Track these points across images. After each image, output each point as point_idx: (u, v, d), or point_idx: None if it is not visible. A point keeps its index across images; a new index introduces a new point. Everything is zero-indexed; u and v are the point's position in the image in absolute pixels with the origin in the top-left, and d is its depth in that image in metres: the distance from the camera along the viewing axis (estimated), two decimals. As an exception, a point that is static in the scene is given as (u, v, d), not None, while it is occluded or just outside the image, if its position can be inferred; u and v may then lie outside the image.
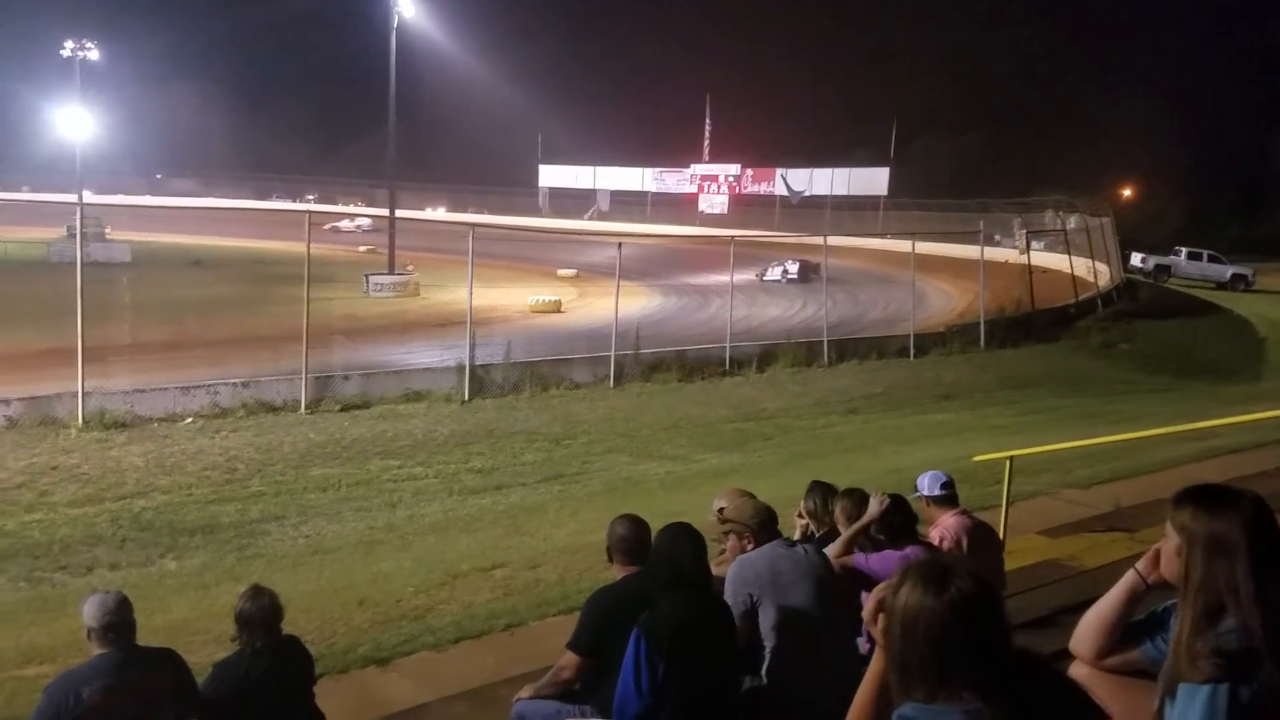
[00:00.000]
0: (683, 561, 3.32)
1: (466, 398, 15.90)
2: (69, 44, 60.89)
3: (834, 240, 29.54)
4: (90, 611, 3.26)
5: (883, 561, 4.10)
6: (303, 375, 14.71)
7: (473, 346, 16.58)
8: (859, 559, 4.22)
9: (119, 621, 3.27)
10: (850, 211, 62.75)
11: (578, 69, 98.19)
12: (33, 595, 7.48)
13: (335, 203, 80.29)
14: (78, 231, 17.32)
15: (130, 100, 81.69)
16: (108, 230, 48.07)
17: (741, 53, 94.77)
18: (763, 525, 3.91)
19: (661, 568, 3.37)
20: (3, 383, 14.49)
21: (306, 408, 14.46)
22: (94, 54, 61.94)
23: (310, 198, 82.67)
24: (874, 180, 68.96)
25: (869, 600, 1.87)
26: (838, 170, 71.39)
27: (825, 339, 21.10)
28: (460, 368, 16.37)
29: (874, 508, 4.32)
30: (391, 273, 36.63)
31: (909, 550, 4.16)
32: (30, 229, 46.51)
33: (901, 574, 1.77)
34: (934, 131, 77.75)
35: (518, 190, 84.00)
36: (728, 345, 19.75)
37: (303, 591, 6.91)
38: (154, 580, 7.48)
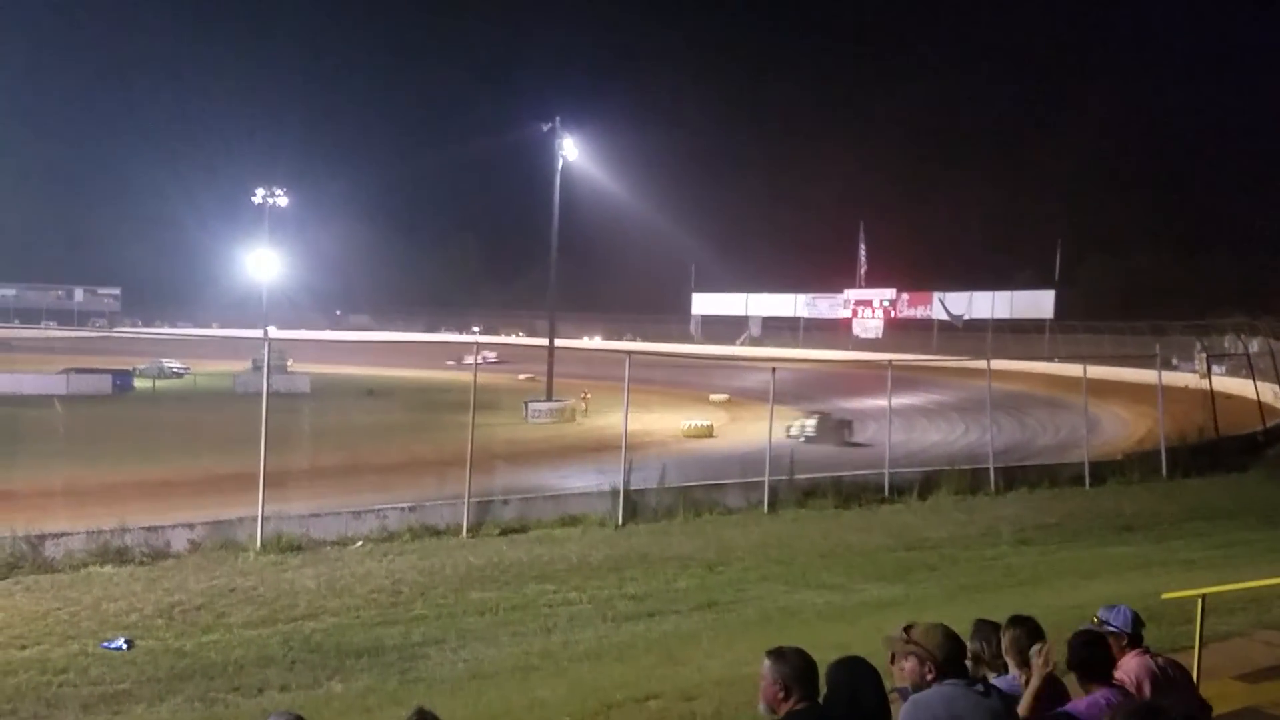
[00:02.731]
0: (865, 702, 3.12)
1: (620, 522, 15.92)
2: (260, 191, 67.23)
3: (997, 364, 28.53)
4: (268, 733, 3.33)
5: (1092, 708, 3.73)
6: (465, 500, 15.10)
7: (627, 471, 16.67)
8: (1074, 706, 3.85)
9: None
10: (1013, 334, 60.78)
11: (730, 200, 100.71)
12: (206, 716, 7.74)
13: (499, 333, 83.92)
14: (264, 364, 18.68)
15: (312, 241, 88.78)
16: (290, 363, 51.62)
17: (896, 177, 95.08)
18: (949, 658, 3.63)
19: (841, 706, 3.17)
20: (189, 507, 15.54)
21: (468, 531, 14.79)
22: (283, 200, 68.10)
23: (476, 329, 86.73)
24: (1038, 302, 66.72)
25: None
26: (998, 293, 69.50)
27: (992, 465, 20.17)
28: (614, 492, 16.44)
29: (1038, 662, 3.94)
30: (550, 399, 37.66)
31: (1107, 695, 3.79)
32: (220, 362, 50.59)
33: None
34: (1102, 251, 75.03)
35: (671, 318, 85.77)
36: (886, 471, 19.14)
37: (462, 716, 6.90)
38: (321, 702, 7.63)
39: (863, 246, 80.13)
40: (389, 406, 38.25)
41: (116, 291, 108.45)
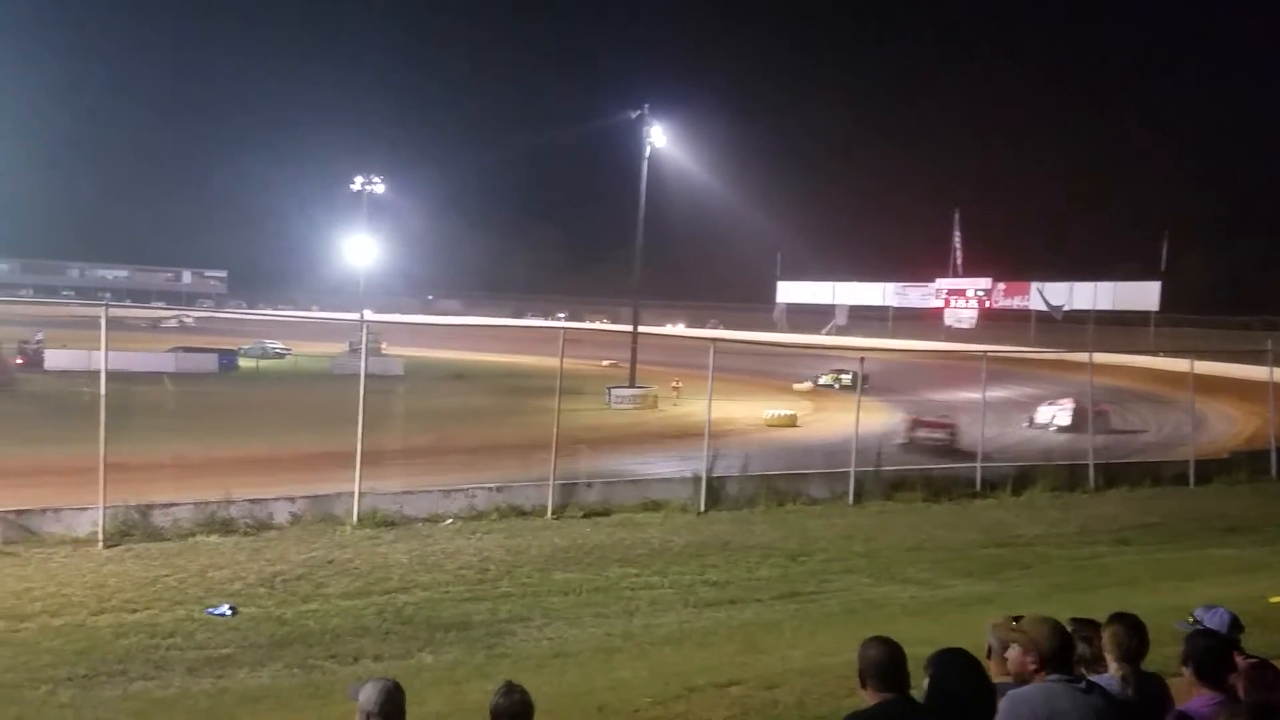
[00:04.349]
0: (968, 698, 3.07)
1: (702, 509, 15.95)
2: (359, 179, 69.02)
3: (1100, 358, 27.47)
4: (368, 697, 3.46)
5: (1205, 709, 3.63)
6: (550, 482, 15.34)
7: (710, 458, 16.68)
8: (1188, 707, 3.76)
9: (394, 709, 3.46)
10: (1115, 327, 58.66)
11: (818, 186, 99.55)
12: (305, 681, 8.06)
13: (583, 319, 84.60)
14: (362, 347, 19.25)
15: (407, 227, 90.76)
16: (384, 346, 52.96)
17: (992, 164, 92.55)
18: (1055, 653, 3.54)
19: (940, 699, 3.12)
20: (290, 481, 16.12)
21: (552, 513, 15.02)
22: (380, 188, 69.76)
23: (561, 315, 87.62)
24: (1143, 294, 64.22)
25: None
26: (1100, 284, 67.05)
27: (1091, 462, 19.55)
28: (696, 479, 16.47)
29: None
30: (632, 386, 37.87)
31: (1219, 697, 3.67)
32: (318, 344, 52.19)
33: None
34: (1209, 242, 71.79)
35: (755, 306, 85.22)
36: (979, 465, 18.72)
37: (545, 693, 7.01)
38: (412, 673, 7.87)
39: (958, 234, 78.18)
40: (477, 390, 38.98)
41: (223, 274, 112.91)
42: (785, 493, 16.90)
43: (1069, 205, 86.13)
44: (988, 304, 74.53)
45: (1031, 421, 31.94)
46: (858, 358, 21.66)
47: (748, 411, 30.94)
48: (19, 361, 38.24)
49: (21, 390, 32.37)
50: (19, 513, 12.11)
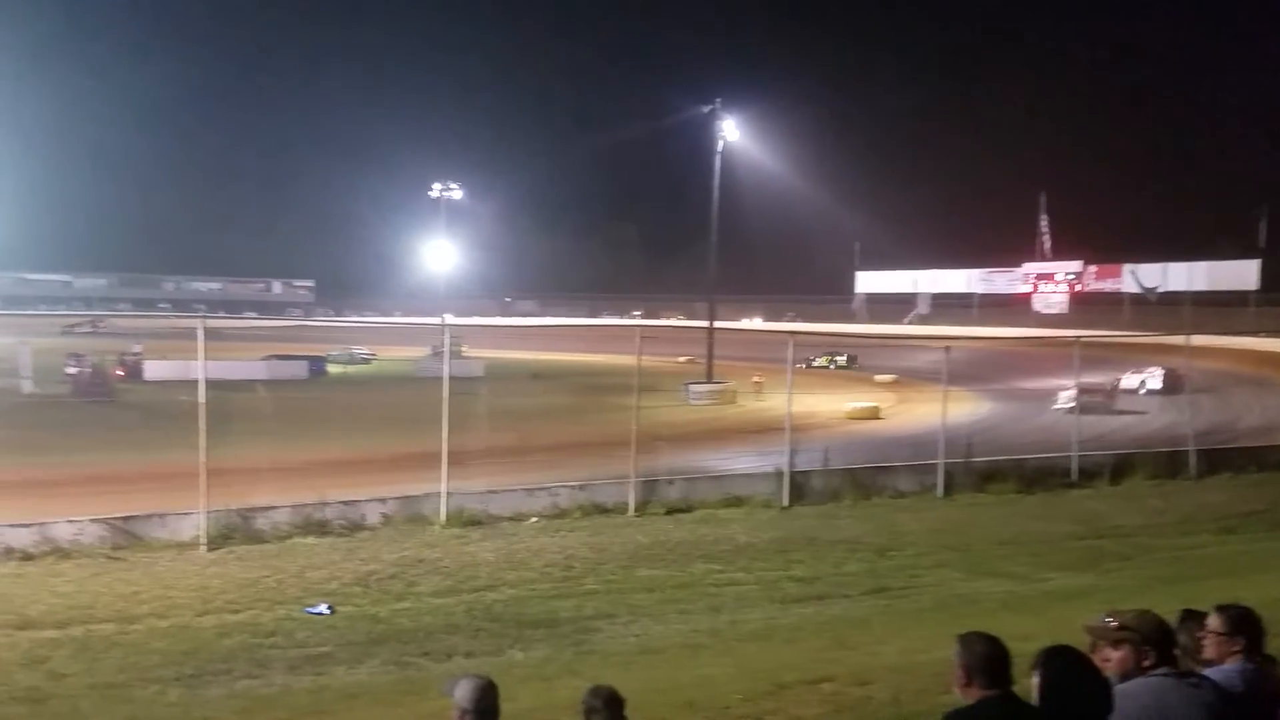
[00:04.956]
0: (1084, 696, 2.97)
1: (786, 504, 15.82)
2: (436, 186, 70.30)
3: (1197, 340, 26.46)
4: (464, 694, 3.52)
5: None
6: (631, 479, 15.39)
7: (792, 453, 16.54)
8: None
9: (488, 706, 3.51)
10: (1213, 308, 56.34)
11: (897, 173, 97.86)
12: (400, 678, 8.24)
13: (658, 316, 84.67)
14: (444, 350, 19.59)
15: (484, 232, 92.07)
16: (464, 348, 53.79)
17: (1078, 143, 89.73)
18: (1159, 647, 3.42)
19: (1055, 698, 3.01)
20: (380, 483, 16.50)
21: (635, 510, 15.07)
22: (457, 194, 70.95)
23: (636, 313, 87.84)
24: (1241, 273, 61.55)
25: None
26: (1196, 264, 64.41)
27: (1192, 448, 18.80)
28: (778, 474, 16.35)
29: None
30: (710, 381, 37.75)
31: None
32: (402, 348, 53.31)
33: None
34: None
35: (833, 297, 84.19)
36: (1074, 454, 18.16)
37: (634, 690, 6.98)
38: (503, 669, 7.97)
39: (1045, 218, 75.94)
40: (555, 389, 39.32)
41: (311, 283, 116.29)
42: (870, 486, 16.66)
43: (1161, 184, 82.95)
44: (1079, 288, 72.22)
45: (1116, 387, 32.54)
46: (942, 347, 21.15)
47: (829, 405, 30.56)
48: (120, 373, 39.86)
49: (123, 401, 33.79)
50: (126, 519, 12.64)
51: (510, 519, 14.37)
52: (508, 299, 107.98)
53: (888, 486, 16.83)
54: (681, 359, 50.49)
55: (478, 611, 10.06)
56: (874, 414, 30.78)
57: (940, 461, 17.14)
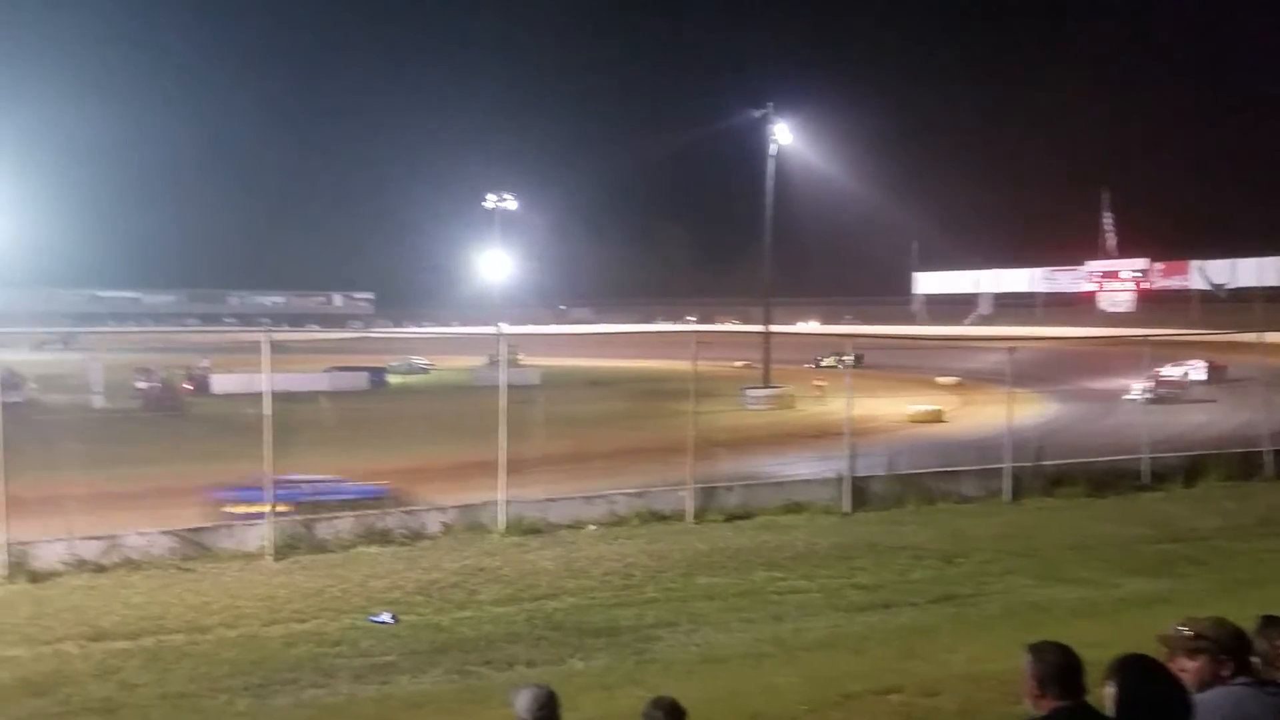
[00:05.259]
0: (1163, 705, 2.86)
1: (847, 510, 15.60)
2: (491, 196, 71.03)
3: (1271, 337, 25.60)
4: (524, 704, 3.51)
5: None
6: (689, 486, 15.30)
7: (853, 458, 16.31)
8: None
9: (549, 715, 3.49)
10: (1285, 303, 54.50)
11: (955, 172, 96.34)
12: (463, 687, 8.27)
13: (713, 321, 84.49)
14: (500, 359, 19.73)
15: (537, 240, 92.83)
16: (520, 357, 54.21)
17: (1140, 139, 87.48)
18: (1236, 655, 3.29)
19: (1132, 708, 2.91)
20: (441, 491, 16.64)
21: (693, 517, 14.97)
22: (511, 204, 71.60)
23: (690, 319, 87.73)
24: (1314, 268, 59.39)
25: None
26: (1266, 259, 62.40)
27: (1267, 449, 18.13)
28: (839, 479, 16.11)
29: None
30: (767, 386, 37.52)
31: None
32: (458, 358, 53.90)
33: None
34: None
35: (891, 299, 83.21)
36: (1145, 456, 17.63)
37: (696, 700, 6.92)
38: (564, 678, 7.94)
39: (1108, 215, 74.22)
40: (611, 396, 39.38)
41: (370, 295, 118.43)
42: (935, 491, 16.34)
43: (1228, 178, 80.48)
44: (1145, 285, 70.42)
45: (1157, 379, 33.07)
46: (1005, 348, 20.74)
47: (890, 408, 30.16)
48: (188, 387, 40.90)
49: (191, 414, 34.64)
50: (194, 530, 12.91)
51: (569, 527, 14.36)
52: (562, 307, 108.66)
53: (953, 491, 16.49)
54: (738, 364, 50.25)
55: (538, 620, 10.06)
56: (937, 417, 30.31)
57: (1007, 465, 16.74)
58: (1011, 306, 74.52)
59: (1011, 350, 19.87)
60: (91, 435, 24.31)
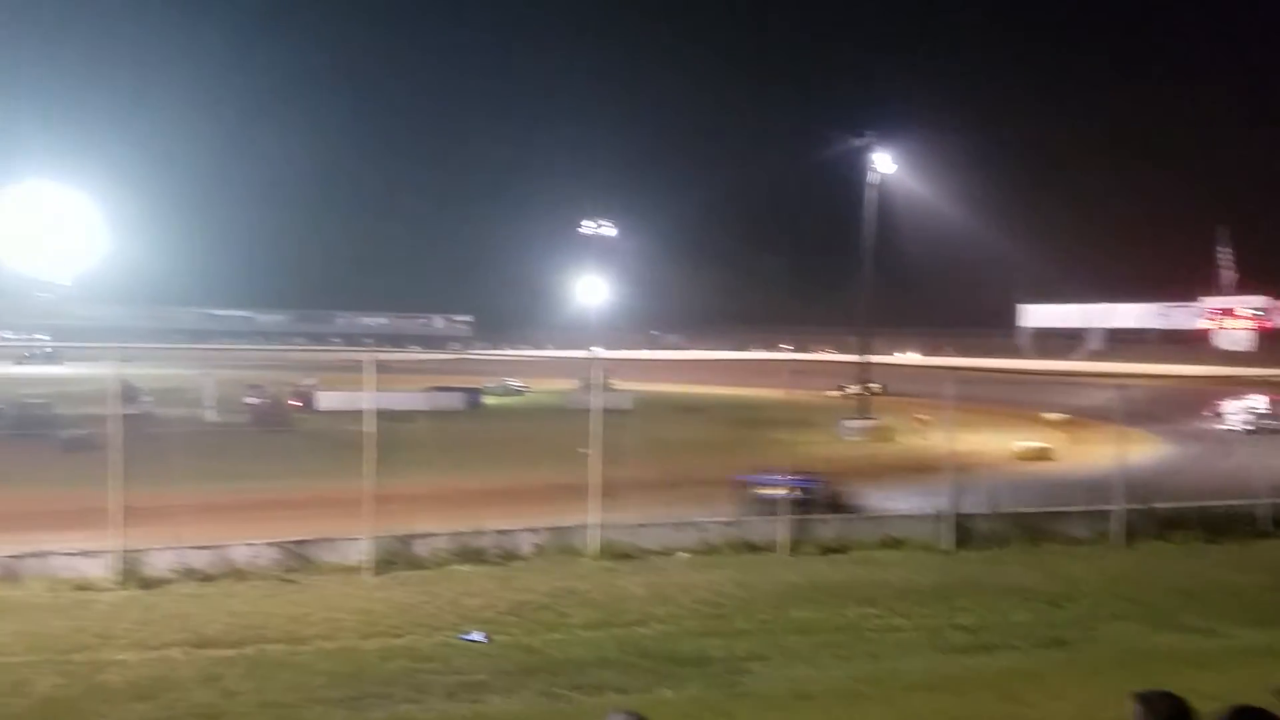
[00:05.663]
0: None
1: (947, 548, 15.15)
2: (588, 223, 71.92)
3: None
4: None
5: None
6: (782, 517, 15.06)
7: (955, 494, 15.85)
8: None
9: None
10: None
11: (1065, 204, 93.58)
12: (553, 709, 8.25)
13: (808, 350, 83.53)
14: (596, 382, 19.84)
15: (632, 266, 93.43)
16: (613, 381, 54.49)
17: (1260, 172, 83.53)
18: None
19: None
20: (533, 513, 16.74)
21: (786, 549, 14.72)
22: (609, 230, 72.35)
23: (785, 347, 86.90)
24: None
25: None
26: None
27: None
28: (940, 516, 15.67)
29: None
30: (864, 418, 36.83)
31: None
32: (552, 381, 54.52)
33: None
34: None
35: (995, 331, 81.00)
36: (1264, 501, 16.68)
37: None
38: (654, 706, 7.83)
39: (1225, 250, 71.02)
40: (703, 422, 39.17)
41: (469, 318, 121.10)
42: (1041, 531, 15.79)
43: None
44: (1267, 323, 66.98)
45: (1224, 417, 34.93)
46: (1116, 385, 19.92)
47: (994, 444, 29.27)
48: (295, 403, 42.30)
49: (298, 429, 35.78)
50: (299, 542, 13.26)
51: (659, 553, 14.29)
52: (654, 332, 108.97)
53: (1060, 532, 15.90)
54: (833, 393, 49.46)
55: (628, 646, 9.99)
56: (1044, 455, 29.35)
57: (1118, 507, 16.07)
58: (1123, 342, 71.76)
59: (1123, 387, 19.05)
60: (203, 448, 25.33)
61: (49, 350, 49.82)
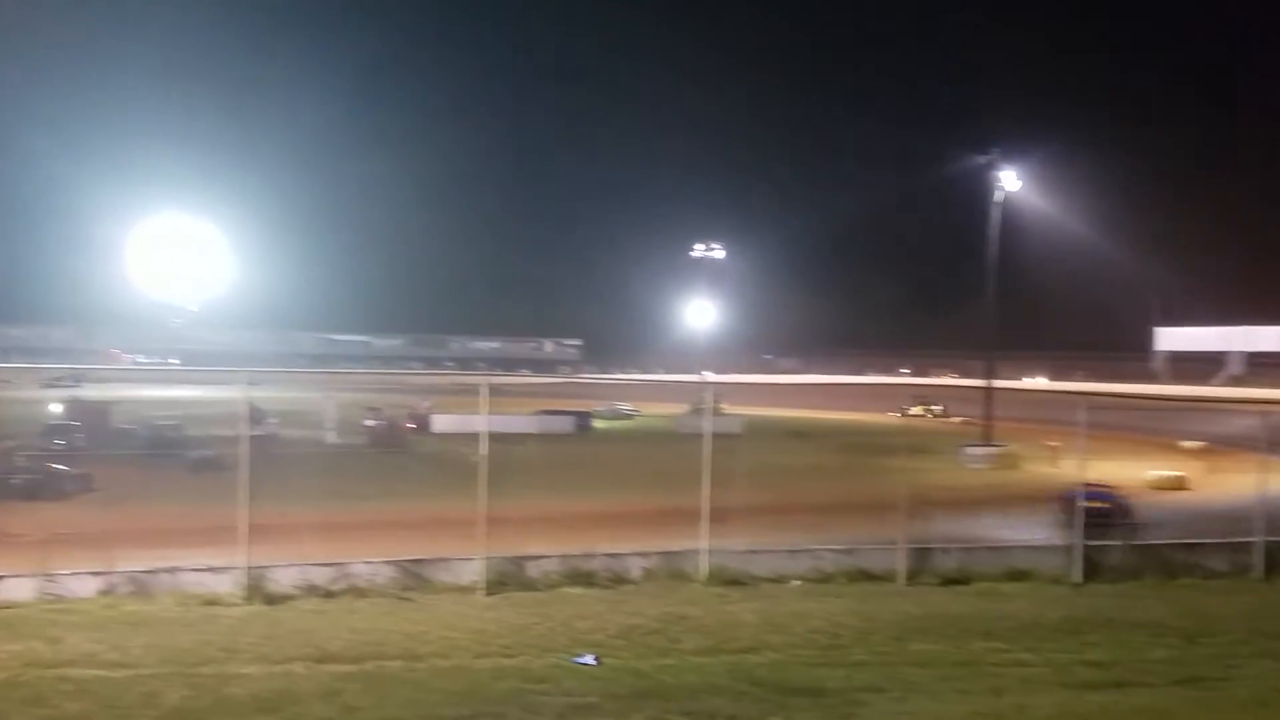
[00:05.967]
0: None
1: (1078, 580, 14.48)
2: (699, 246, 72.11)
3: None
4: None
5: None
6: (900, 546, 14.64)
7: (1083, 525, 15.13)
8: None
9: None
10: None
11: (1205, 221, 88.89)
12: (662, 735, 8.15)
13: (928, 374, 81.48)
14: (706, 406, 19.76)
15: (743, 290, 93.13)
16: (724, 405, 54.23)
17: None
18: None
19: None
20: (643, 537, 16.73)
21: (904, 579, 14.31)
22: (719, 253, 72.38)
23: (904, 371, 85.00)
24: None
25: None
26: None
27: None
28: (1069, 547, 15.01)
29: None
30: (987, 444, 35.64)
31: None
32: (662, 405, 54.65)
33: None
34: None
35: (1128, 355, 77.45)
36: None
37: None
38: (769, 738, 7.72)
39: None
40: (817, 447, 38.54)
41: (579, 342, 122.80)
42: (1177, 564, 14.94)
43: None
44: None
45: None
46: (1259, 411, 18.73)
47: (1127, 473, 27.93)
48: (411, 425, 43.54)
49: (414, 451, 36.76)
50: (415, 561, 13.56)
51: (771, 580, 14.06)
52: (767, 356, 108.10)
53: (1197, 565, 15.01)
54: (955, 419, 48.03)
55: (740, 674, 9.82)
56: (1180, 484, 27.94)
57: (1259, 539, 15.13)
58: (1266, 366, 67.57)
59: (1265, 414, 17.89)
60: (324, 468, 26.24)
61: (77, 377, 52.69)
